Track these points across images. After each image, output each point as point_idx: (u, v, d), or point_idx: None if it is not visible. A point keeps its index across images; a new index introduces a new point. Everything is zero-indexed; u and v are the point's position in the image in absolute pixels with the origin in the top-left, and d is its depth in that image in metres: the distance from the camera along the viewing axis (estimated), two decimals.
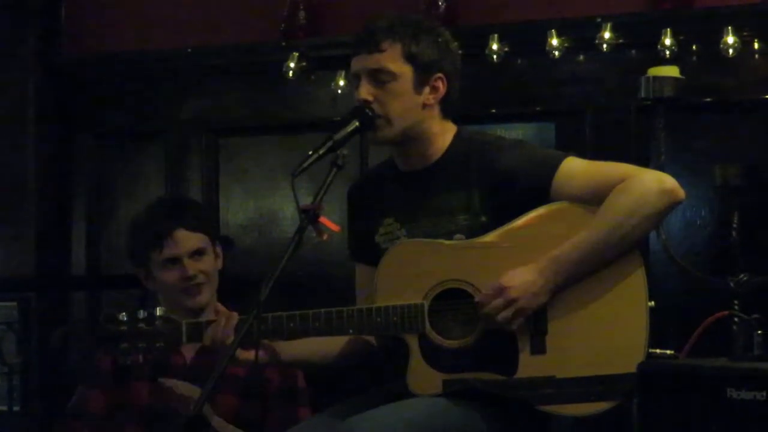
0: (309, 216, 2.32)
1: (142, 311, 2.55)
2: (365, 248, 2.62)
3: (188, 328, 2.53)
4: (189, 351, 2.97)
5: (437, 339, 2.44)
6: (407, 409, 2.37)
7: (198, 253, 2.96)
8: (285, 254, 2.27)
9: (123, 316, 2.55)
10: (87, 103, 4.12)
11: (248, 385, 2.94)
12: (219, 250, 3.05)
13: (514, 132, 3.52)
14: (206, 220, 3.06)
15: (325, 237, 2.36)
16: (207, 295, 2.96)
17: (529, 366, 2.41)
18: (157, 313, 2.54)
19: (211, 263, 2.99)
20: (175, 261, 2.95)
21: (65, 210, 4.14)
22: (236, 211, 3.93)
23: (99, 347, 2.99)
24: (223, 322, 2.46)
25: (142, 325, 2.54)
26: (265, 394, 2.96)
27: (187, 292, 2.95)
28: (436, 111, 2.54)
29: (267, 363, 2.53)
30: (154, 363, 2.90)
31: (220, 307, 2.54)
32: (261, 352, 2.40)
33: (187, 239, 2.95)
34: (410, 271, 2.46)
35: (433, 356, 2.43)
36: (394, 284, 2.45)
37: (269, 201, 3.89)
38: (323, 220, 2.35)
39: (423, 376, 2.43)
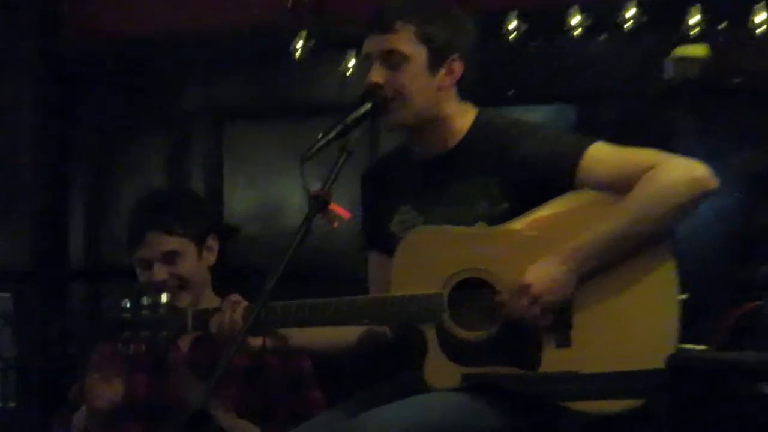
0: (318, 203, 2.29)
1: (146, 298, 2.53)
2: (380, 237, 2.60)
3: (194, 316, 2.52)
4: (185, 342, 2.95)
5: (456, 330, 2.40)
6: (423, 405, 2.34)
7: (171, 256, 2.92)
8: (292, 243, 2.24)
9: (126, 304, 2.54)
10: (85, 89, 4.09)
11: (249, 375, 2.91)
12: (214, 243, 3.01)
13: (533, 115, 3.46)
14: (188, 219, 2.98)
15: (335, 225, 2.33)
16: (185, 301, 2.89)
17: (552, 360, 2.38)
18: (162, 301, 2.52)
19: (190, 266, 2.93)
20: (147, 263, 2.93)
21: (63, 199, 4.12)
22: (241, 199, 3.91)
23: (100, 337, 2.98)
24: (230, 311, 2.46)
25: (146, 312, 2.53)
26: (268, 383, 2.93)
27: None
28: (452, 93, 2.52)
29: (274, 350, 2.52)
30: (153, 355, 2.90)
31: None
32: (269, 340, 2.43)
33: (158, 242, 2.91)
34: (428, 260, 2.43)
35: (452, 348, 2.40)
36: (410, 273, 2.44)
37: (275, 188, 3.86)
38: (333, 206, 2.32)
39: (440, 369, 2.40)
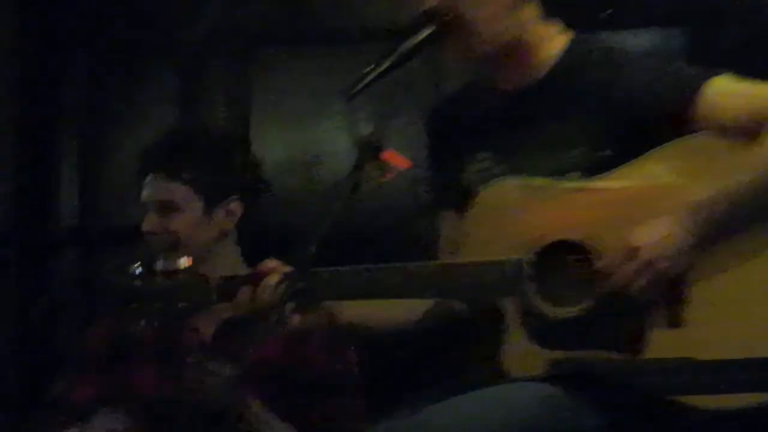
0: (369, 149, 2.31)
1: (160, 261, 2.53)
2: (451, 191, 2.60)
3: (221, 284, 2.52)
4: (207, 325, 2.98)
5: (543, 306, 2.40)
6: (498, 399, 2.33)
7: (167, 206, 2.98)
8: (337, 201, 2.26)
9: (135, 269, 2.53)
10: (80, 11, 4.12)
11: (286, 370, 2.94)
12: (237, 208, 3.03)
13: (636, 40, 3.50)
14: (201, 166, 3.02)
15: (390, 176, 2.34)
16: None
17: (661, 343, 2.37)
18: (181, 265, 2.52)
19: (188, 224, 2.98)
20: (145, 209, 3.02)
21: (51, 147, 4.16)
22: (272, 145, 3.90)
23: (99, 311, 3.03)
24: (265, 279, 2.46)
25: (159, 279, 2.52)
26: (306, 381, 2.96)
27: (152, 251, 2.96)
28: (533, 10, 2.53)
29: (318, 327, 2.54)
30: (163, 339, 2.96)
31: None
32: (312, 317, 2.43)
33: (157, 186, 3.00)
34: (509, 219, 2.43)
35: (537, 328, 2.40)
36: (488, 235, 2.43)
37: (315, 132, 3.88)
38: (388, 154, 2.33)
39: (523, 354, 2.40)
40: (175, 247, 2.94)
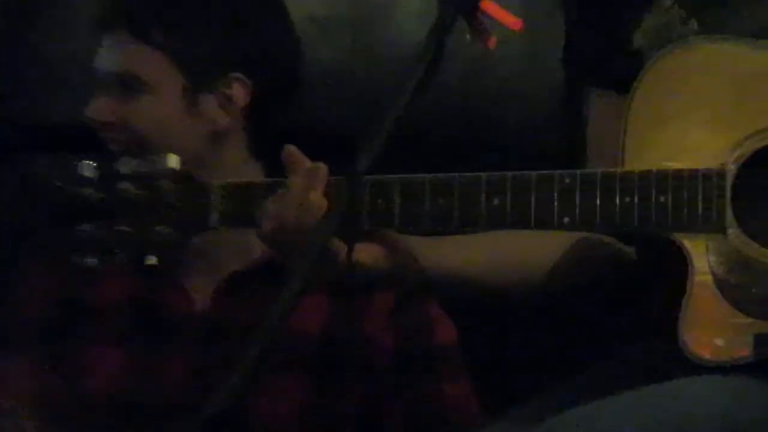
0: (458, 2, 2.25)
1: (128, 159, 2.43)
2: (608, 60, 2.57)
3: (227, 193, 2.44)
4: (203, 288, 3.03)
5: (750, 247, 2.32)
6: (678, 398, 2.25)
7: (128, 84, 2.99)
8: (407, 81, 2.19)
9: (90, 169, 2.40)
10: None
11: (327, 348, 3.00)
12: (239, 89, 3.01)
13: None
14: (180, 24, 3.03)
15: (492, 43, 2.29)
16: None
17: None
18: (166, 164, 2.40)
19: (160, 114, 2.98)
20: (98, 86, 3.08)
21: None
22: None
23: (26, 251, 3.05)
24: (302, 184, 2.36)
25: (128, 186, 2.36)
26: (367, 366, 3.01)
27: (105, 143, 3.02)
28: None
29: (387, 277, 2.46)
30: (135, 298, 3.01)
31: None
32: (377, 252, 2.37)
33: (115, 53, 3.01)
34: (699, 105, 2.37)
35: (738, 283, 2.32)
36: (665, 129, 2.38)
37: None
38: (488, 6, 2.26)
39: (714, 322, 2.32)
40: (140, 150, 2.88)
